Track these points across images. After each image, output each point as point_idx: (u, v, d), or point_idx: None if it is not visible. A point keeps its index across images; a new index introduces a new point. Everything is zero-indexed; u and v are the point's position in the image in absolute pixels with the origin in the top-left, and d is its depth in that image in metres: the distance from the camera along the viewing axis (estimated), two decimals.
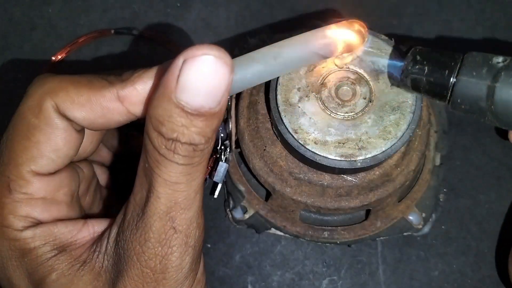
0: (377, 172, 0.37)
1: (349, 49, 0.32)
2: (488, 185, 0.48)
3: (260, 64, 0.29)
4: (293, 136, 0.34)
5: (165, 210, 0.27)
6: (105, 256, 0.29)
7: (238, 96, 0.41)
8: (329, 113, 0.35)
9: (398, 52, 0.35)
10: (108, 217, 0.31)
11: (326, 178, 0.37)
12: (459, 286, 0.46)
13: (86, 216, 0.33)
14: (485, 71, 0.29)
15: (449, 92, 0.30)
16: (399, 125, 0.34)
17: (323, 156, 0.34)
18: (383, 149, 0.34)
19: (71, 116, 0.28)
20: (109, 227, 0.30)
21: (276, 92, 0.35)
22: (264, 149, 0.38)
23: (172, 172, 0.26)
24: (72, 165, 0.32)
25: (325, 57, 0.32)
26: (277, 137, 0.38)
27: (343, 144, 0.34)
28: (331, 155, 0.34)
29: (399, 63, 0.33)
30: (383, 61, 0.35)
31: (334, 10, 0.54)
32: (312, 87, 0.35)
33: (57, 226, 0.29)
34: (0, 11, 0.55)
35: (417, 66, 0.31)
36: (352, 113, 0.35)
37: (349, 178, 0.37)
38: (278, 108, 0.35)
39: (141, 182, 0.28)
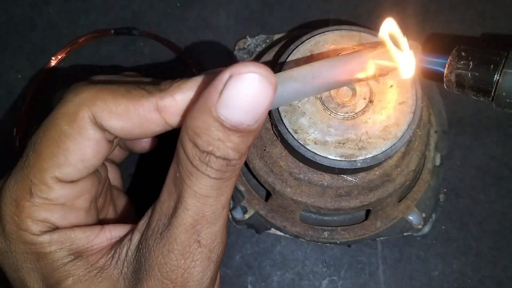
0: (377, 172, 0.37)
1: (386, 72, 0.32)
2: (488, 185, 0.48)
3: (298, 83, 0.29)
4: (293, 136, 0.34)
5: (192, 223, 0.27)
6: (125, 263, 0.28)
7: None
8: (329, 113, 0.35)
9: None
10: (119, 218, 0.31)
11: (326, 178, 0.37)
12: (459, 286, 0.46)
13: (99, 220, 0.33)
14: None
15: (494, 87, 0.30)
16: (399, 125, 0.34)
17: (323, 156, 0.34)
18: (383, 149, 0.34)
19: (108, 126, 0.28)
20: (130, 233, 0.29)
21: None
22: (264, 149, 0.38)
23: (202, 184, 0.26)
24: (94, 172, 0.31)
25: (363, 80, 0.32)
26: (277, 137, 0.37)
27: (343, 144, 0.34)
28: (331, 155, 0.34)
29: (443, 60, 0.33)
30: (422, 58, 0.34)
31: (334, 10, 0.54)
32: None
33: (74, 231, 0.29)
34: (0, 11, 0.55)
35: (462, 62, 0.31)
36: (352, 113, 0.35)
37: (349, 178, 0.37)
38: (278, 108, 0.35)
39: (170, 191, 0.27)
